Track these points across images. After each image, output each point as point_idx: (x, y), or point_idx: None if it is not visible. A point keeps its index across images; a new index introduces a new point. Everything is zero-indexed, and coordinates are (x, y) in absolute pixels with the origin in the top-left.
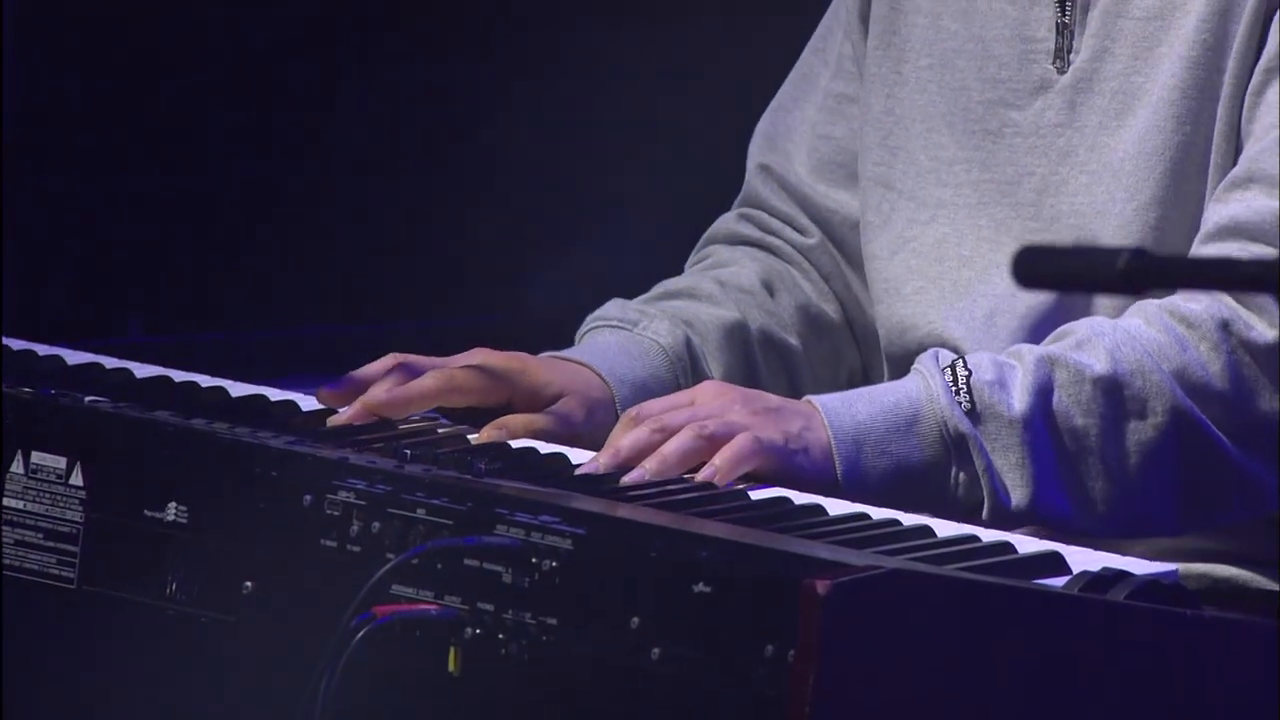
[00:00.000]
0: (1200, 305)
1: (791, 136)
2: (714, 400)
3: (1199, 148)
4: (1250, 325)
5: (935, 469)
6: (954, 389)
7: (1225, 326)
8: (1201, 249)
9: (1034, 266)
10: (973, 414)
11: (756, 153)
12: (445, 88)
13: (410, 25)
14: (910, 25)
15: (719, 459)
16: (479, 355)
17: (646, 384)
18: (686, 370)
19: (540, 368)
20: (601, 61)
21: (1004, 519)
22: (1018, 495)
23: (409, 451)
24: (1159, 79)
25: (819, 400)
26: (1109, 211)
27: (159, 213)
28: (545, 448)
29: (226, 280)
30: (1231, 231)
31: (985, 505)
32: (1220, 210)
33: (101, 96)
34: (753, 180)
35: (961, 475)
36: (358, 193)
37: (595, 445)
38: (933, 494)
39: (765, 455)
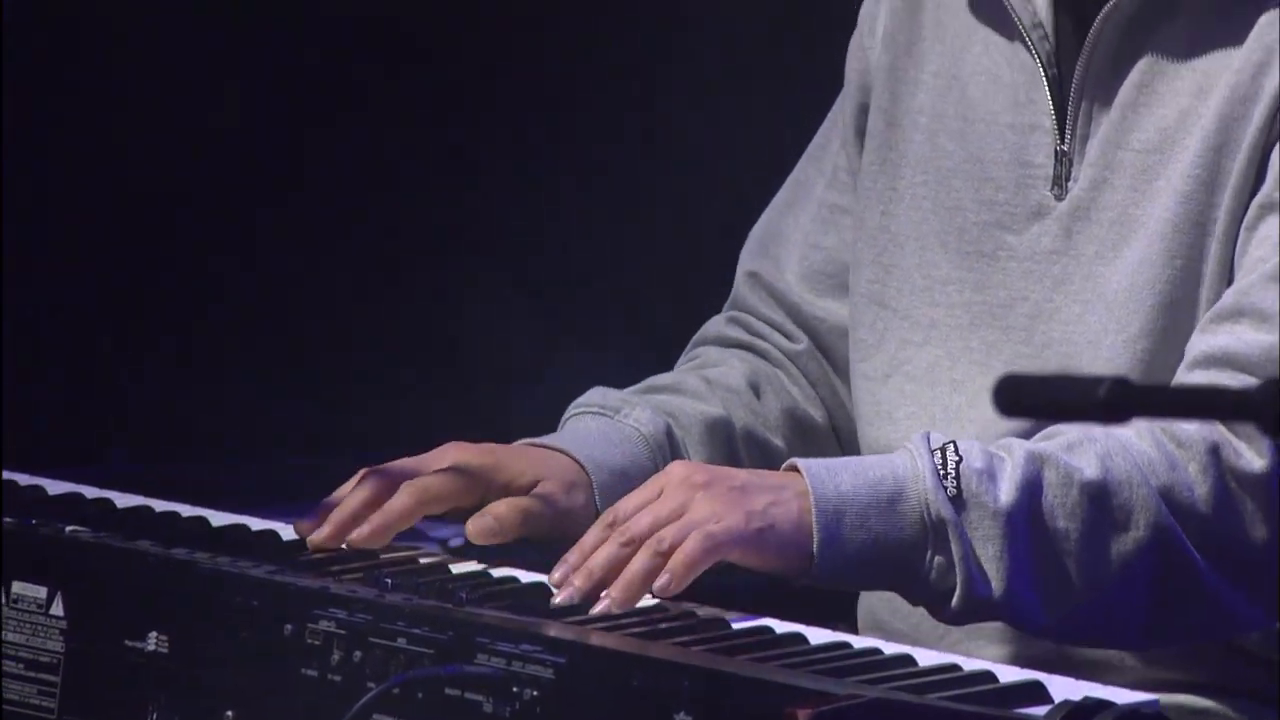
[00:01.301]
0: (1193, 427)
1: (783, 243)
2: (679, 490)
3: (1191, 282)
4: (1239, 452)
5: (913, 549)
6: (942, 472)
7: (1215, 450)
8: (1188, 376)
9: (1016, 395)
10: (957, 500)
11: (747, 258)
12: (435, 233)
13: (401, 168)
14: (907, 141)
15: (671, 566)
16: (451, 454)
17: (626, 471)
18: (667, 458)
19: (514, 458)
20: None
21: (973, 608)
22: (991, 587)
23: (390, 580)
24: (1155, 212)
25: (805, 464)
26: (1099, 342)
27: (140, 342)
28: (526, 576)
29: (210, 409)
30: (1220, 361)
31: (956, 592)
32: (1208, 340)
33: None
34: (741, 286)
35: (937, 559)
36: (344, 324)
37: (583, 526)
38: (906, 574)
39: (720, 549)
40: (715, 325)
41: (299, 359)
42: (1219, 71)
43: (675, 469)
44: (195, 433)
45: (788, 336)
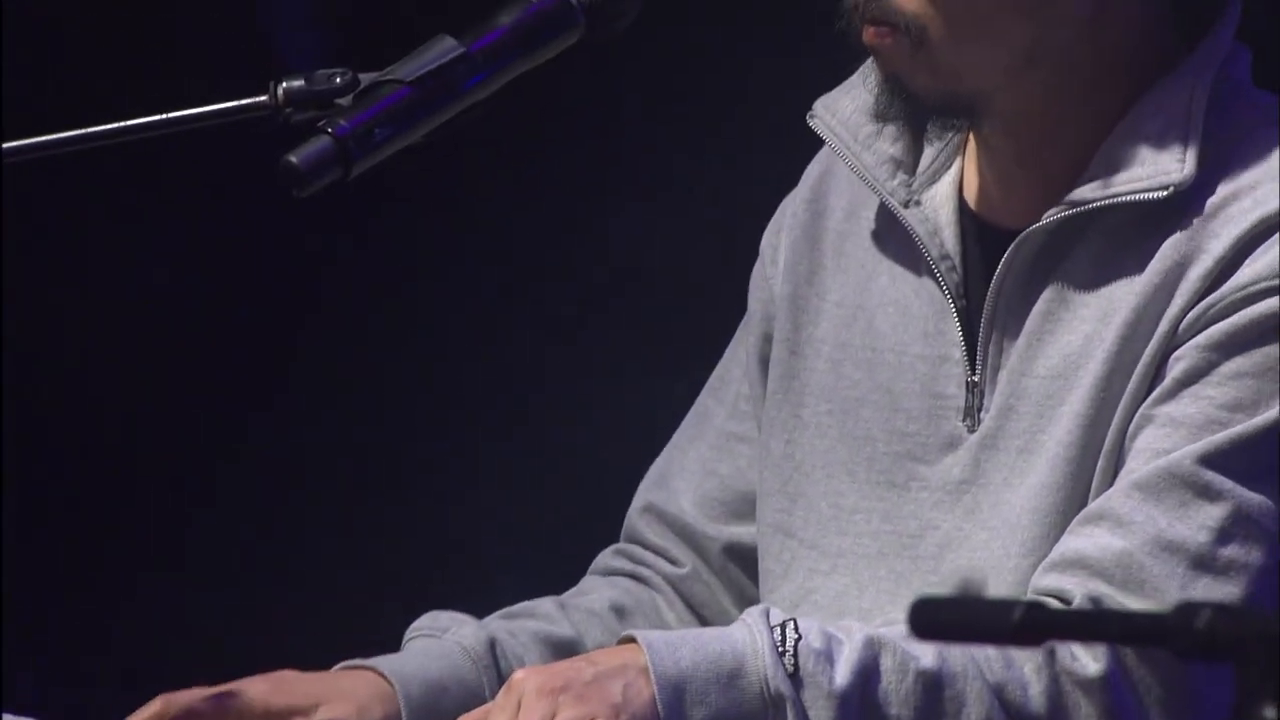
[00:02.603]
0: None
1: (680, 474)
2: (540, 700)
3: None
4: (1075, 656)
5: None
6: (780, 649)
7: (1051, 653)
8: (1041, 580)
9: (930, 618)
10: (795, 678)
11: (643, 491)
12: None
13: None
14: (809, 370)
15: None
16: (248, 682)
17: (441, 681)
18: (496, 670)
19: (302, 684)
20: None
21: None
22: None
23: None
24: (1057, 435)
25: (644, 639)
26: (1004, 566)
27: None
28: None
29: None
30: (1074, 564)
31: None
32: (1066, 543)
33: None
34: (632, 517)
35: None
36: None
37: None
38: None
39: None
40: (602, 558)
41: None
42: (1123, 296)
43: (525, 680)
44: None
45: (672, 561)
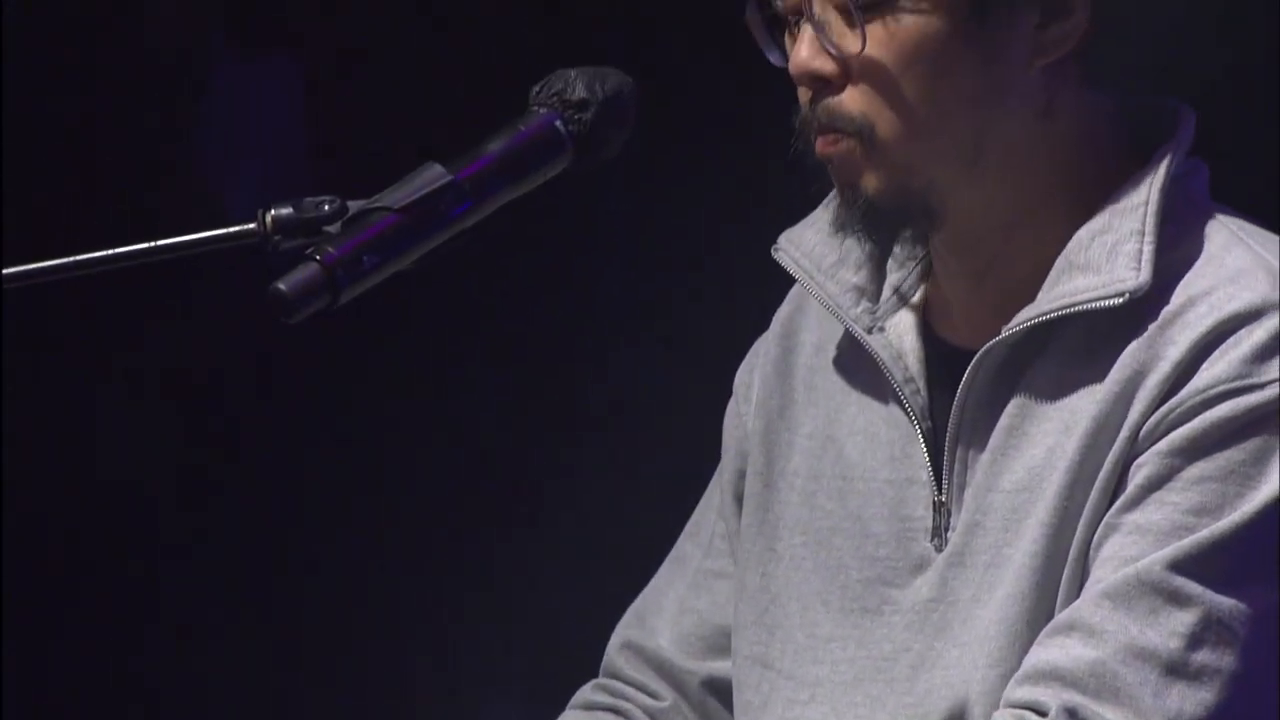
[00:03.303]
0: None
1: (658, 613)
2: None
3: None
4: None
5: None
6: None
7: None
8: (1015, 692)
9: None
10: None
11: (621, 629)
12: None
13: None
14: (783, 504)
15: None
16: None
17: None
18: None
19: None
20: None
21: None
22: None
23: None
24: (1023, 547)
25: None
26: (972, 679)
27: None
28: None
29: None
30: (1047, 676)
31: None
32: (1038, 654)
33: None
34: (611, 653)
35: None
36: None
37: None
38: None
39: None
40: (582, 693)
41: None
42: (1084, 406)
43: None
44: None
45: (652, 695)
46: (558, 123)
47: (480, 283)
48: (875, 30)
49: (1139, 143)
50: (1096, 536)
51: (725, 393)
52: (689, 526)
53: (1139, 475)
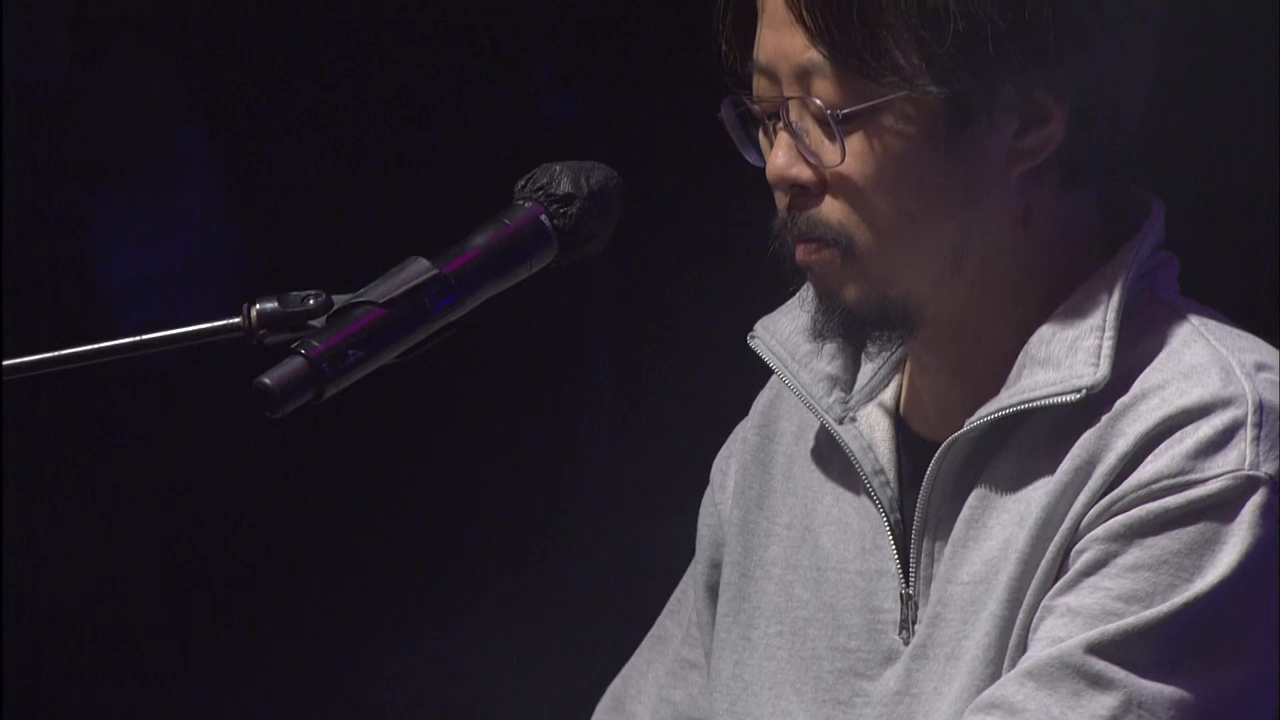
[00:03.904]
0: None
1: (638, 699)
2: None
3: None
4: None
5: None
6: None
7: None
8: None
9: None
10: None
11: (601, 713)
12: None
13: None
14: (761, 593)
15: None
16: None
17: None
18: None
19: None
20: None
21: None
22: None
23: None
24: (978, 638)
25: None
26: None
27: None
28: None
29: None
30: None
31: None
32: None
33: None
34: None
35: None
36: None
37: None
38: None
39: None
40: None
41: None
42: (1038, 498)
43: None
44: None
45: None
46: (543, 216)
47: (463, 374)
48: (854, 142)
49: (1110, 237)
50: (1035, 620)
51: (704, 479)
52: (670, 603)
53: (1078, 561)
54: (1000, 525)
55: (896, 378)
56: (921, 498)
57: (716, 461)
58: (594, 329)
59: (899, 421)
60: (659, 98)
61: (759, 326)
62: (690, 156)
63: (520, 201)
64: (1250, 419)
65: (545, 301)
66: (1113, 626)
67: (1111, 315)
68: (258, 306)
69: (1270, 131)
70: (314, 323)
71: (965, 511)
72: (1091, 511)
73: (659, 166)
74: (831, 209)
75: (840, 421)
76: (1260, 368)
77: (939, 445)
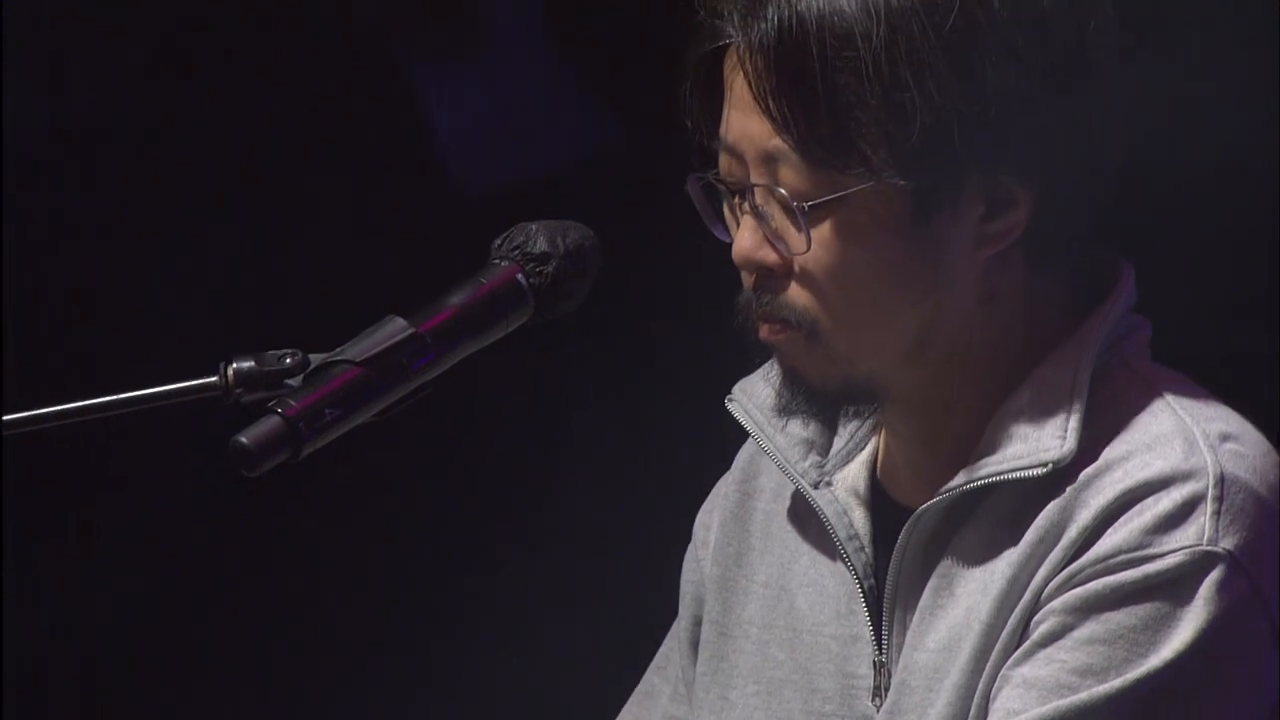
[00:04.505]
0: None
1: None
2: None
3: None
4: None
5: None
6: None
7: None
8: None
9: None
10: None
11: None
12: None
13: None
14: (738, 652)
15: None
16: None
17: None
18: None
19: None
20: None
21: None
22: None
23: None
24: (939, 708)
25: None
26: None
27: None
28: None
29: None
30: None
31: None
32: None
33: None
34: None
35: None
36: None
37: None
38: None
39: None
40: None
41: None
42: (1002, 568)
43: None
44: None
45: None
46: (520, 275)
47: (448, 429)
48: (820, 231)
49: (1080, 305)
50: (994, 690)
51: (688, 533)
52: (657, 659)
53: (1035, 632)
54: (966, 594)
55: (874, 439)
56: (892, 566)
57: (700, 516)
58: (578, 382)
59: (876, 485)
60: (646, 147)
61: (737, 389)
62: (672, 225)
63: (497, 260)
64: (1210, 492)
65: (528, 360)
66: (1065, 701)
67: (1080, 387)
68: (234, 365)
69: (1270, 132)
70: (291, 381)
71: (933, 580)
72: (1052, 583)
73: (643, 231)
74: (796, 294)
75: (816, 486)
76: (1225, 438)
77: (910, 510)
